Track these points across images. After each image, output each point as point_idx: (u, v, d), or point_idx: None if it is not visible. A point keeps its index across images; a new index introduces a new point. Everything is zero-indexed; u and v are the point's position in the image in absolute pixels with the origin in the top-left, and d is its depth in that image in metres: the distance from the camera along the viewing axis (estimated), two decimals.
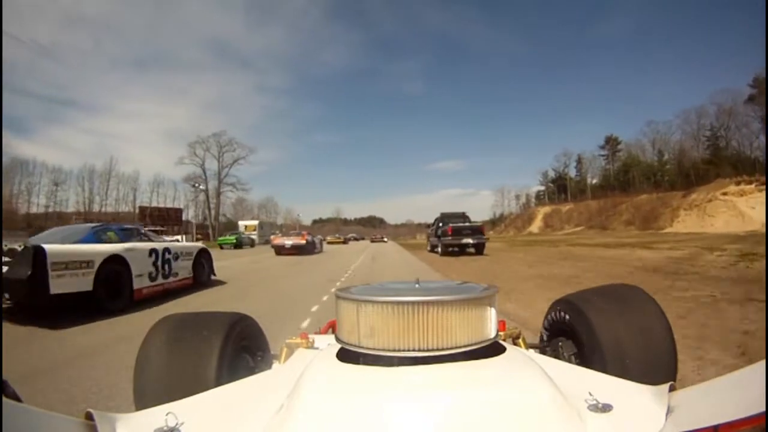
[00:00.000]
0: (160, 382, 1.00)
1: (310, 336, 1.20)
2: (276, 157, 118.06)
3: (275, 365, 1.15)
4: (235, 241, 30.31)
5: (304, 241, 18.65)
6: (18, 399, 0.72)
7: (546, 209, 77.92)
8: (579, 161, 77.51)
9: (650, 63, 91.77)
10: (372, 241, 52.60)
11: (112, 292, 5.15)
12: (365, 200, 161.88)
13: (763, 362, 0.52)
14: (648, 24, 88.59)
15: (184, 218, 56.98)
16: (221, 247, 28.91)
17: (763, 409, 0.46)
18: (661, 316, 1.12)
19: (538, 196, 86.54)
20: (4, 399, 0.49)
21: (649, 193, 54.88)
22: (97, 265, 4.91)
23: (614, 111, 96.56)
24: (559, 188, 79.76)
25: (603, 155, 73.91)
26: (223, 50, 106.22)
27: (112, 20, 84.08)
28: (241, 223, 46.40)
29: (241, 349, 1.17)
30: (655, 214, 44.57)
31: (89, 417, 0.60)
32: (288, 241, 18.83)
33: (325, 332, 1.61)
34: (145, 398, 0.97)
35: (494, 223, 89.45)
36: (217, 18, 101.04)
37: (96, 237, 5.46)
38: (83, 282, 4.72)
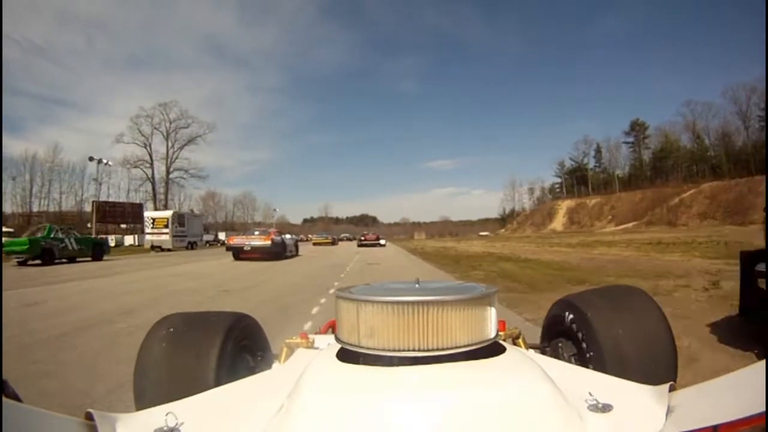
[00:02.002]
0: (160, 382, 1.00)
1: (310, 336, 1.20)
2: (267, 156, 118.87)
3: (275, 365, 1.15)
4: (26, 247, 13.60)
5: (268, 242, 14.96)
6: (18, 399, 0.72)
7: (569, 203, 68.45)
8: (598, 150, 68.62)
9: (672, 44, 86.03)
10: (361, 245, 31.15)
11: None
12: (358, 199, 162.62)
13: (763, 362, 0.52)
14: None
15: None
16: (18, 261, 13.80)
17: (763, 409, 0.46)
18: (661, 316, 1.12)
19: (553, 190, 77.69)
20: (4, 399, 0.49)
21: (697, 181, 46.97)
22: None
23: (622, 102, 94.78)
24: (578, 180, 70.70)
25: (628, 142, 64.71)
26: (216, 49, 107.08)
27: (104, 19, 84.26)
28: (148, 215, 30.31)
29: (242, 348, 1.17)
30: (745, 205, 36.22)
31: (89, 417, 0.60)
32: (248, 242, 15.11)
33: (325, 332, 1.61)
34: (145, 398, 0.97)
35: (504, 220, 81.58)
36: (210, 16, 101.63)
37: None
38: None
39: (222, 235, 45.43)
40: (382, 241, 33.63)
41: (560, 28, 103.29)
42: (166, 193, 54.14)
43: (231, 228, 53.06)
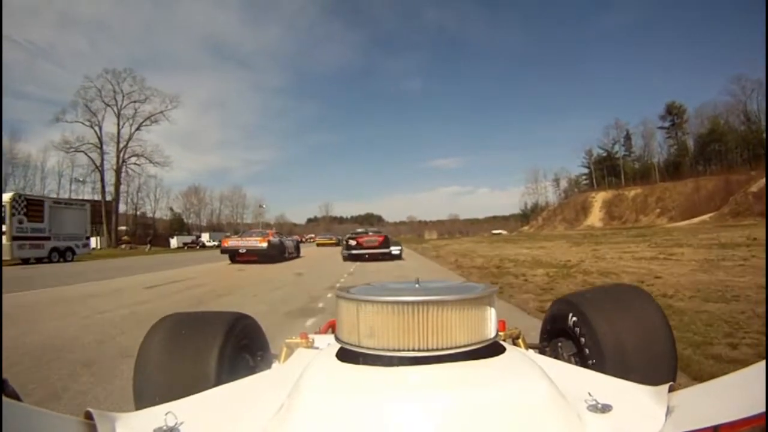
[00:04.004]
0: (160, 382, 1.00)
1: (310, 336, 1.20)
2: (271, 156, 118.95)
3: (275, 365, 1.15)
4: None
5: (264, 244, 14.22)
6: (18, 398, 0.72)
7: (604, 195, 60.59)
8: (627, 137, 61.38)
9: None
10: (350, 257, 14.70)
11: None
12: (362, 199, 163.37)
13: (763, 362, 0.52)
14: None
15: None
16: None
17: (763, 409, 0.46)
18: (661, 316, 1.12)
19: (579, 182, 69.78)
20: (4, 399, 0.49)
21: (755, 167, 39.88)
22: None
23: (621, 100, 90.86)
24: (609, 170, 63.22)
25: (664, 127, 57.15)
26: (219, 49, 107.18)
27: (106, 21, 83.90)
28: None
29: (241, 348, 1.17)
30: None
31: (89, 416, 0.60)
32: (244, 245, 14.41)
33: (325, 332, 1.61)
34: (144, 398, 0.97)
35: (527, 216, 73.96)
36: (212, 17, 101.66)
37: None
38: None
39: (205, 237, 40.44)
40: (395, 249, 16.13)
41: (564, 17, 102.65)
42: (117, 184, 42.09)
43: (218, 228, 48.32)
